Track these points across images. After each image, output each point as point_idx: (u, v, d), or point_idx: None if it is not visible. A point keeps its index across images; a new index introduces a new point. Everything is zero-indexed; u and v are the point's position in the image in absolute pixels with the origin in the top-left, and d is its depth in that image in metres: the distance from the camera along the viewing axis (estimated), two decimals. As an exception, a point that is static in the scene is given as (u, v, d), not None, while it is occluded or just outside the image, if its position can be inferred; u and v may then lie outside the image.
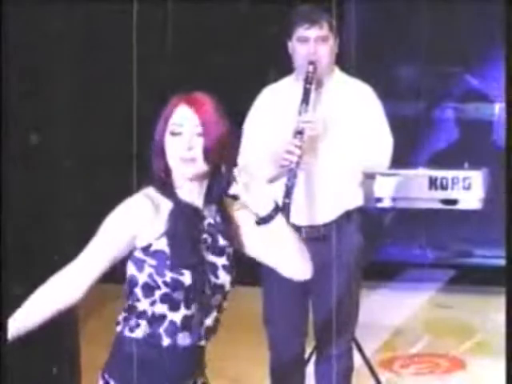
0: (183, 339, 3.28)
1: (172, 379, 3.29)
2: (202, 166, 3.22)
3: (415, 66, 8.18)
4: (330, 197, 5.01)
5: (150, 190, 3.27)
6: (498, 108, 8.07)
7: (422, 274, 8.17)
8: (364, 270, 7.11)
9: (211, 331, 3.33)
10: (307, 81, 4.95)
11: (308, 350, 5.42)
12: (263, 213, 3.27)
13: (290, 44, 5.06)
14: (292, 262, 3.41)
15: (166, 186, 3.28)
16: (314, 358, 5.38)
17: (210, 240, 3.32)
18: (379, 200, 5.21)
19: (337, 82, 5.11)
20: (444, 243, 7.79)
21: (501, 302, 6.48)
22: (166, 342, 3.26)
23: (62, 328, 5.71)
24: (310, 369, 5.40)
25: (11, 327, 3.23)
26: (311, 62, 4.96)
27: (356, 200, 5.11)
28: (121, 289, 3.39)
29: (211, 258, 3.31)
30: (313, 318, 5.22)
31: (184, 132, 3.23)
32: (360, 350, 5.70)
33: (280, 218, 3.30)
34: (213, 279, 3.30)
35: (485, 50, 8.03)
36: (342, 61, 7.04)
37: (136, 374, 3.27)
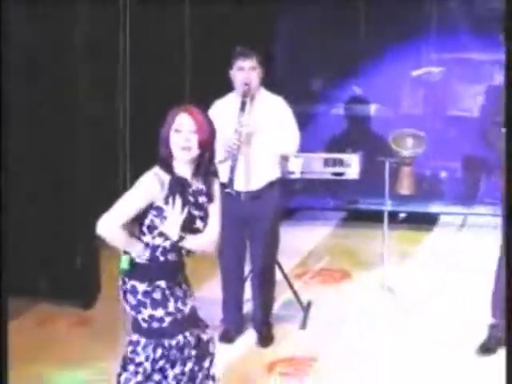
0: (172, 257, 3.48)
1: (166, 278, 3.47)
2: (195, 152, 3.41)
3: (318, 78, 8.13)
4: (259, 172, 5.07)
5: (157, 169, 3.43)
6: (373, 108, 8.07)
7: (324, 215, 8.18)
8: (285, 214, 7.25)
9: (190, 253, 3.54)
10: (243, 96, 5.00)
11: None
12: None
13: (231, 72, 5.08)
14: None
15: (168, 166, 3.43)
16: (250, 276, 5.40)
17: (193, 199, 3.45)
18: (292, 173, 5.24)
19: (262, 97, 5.13)
20: (339, 194, 7.83)
21: (376, 233, 6.57)
22: (161, 259, 3.47)
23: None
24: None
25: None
26: (246, 84, 5.00)
27: (276, 173, 5.15)
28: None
29: (193, 211, 3.44)
30: (249, 250, 5.25)
31: (183, 130, 3.40)
32: (280, 267, 5.67)
33: None
34: (192, 225, 3.44)
35: (366, 66, 7.94)
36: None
37: (142, 275, 3.46)
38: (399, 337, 5.34)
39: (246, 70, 5.00)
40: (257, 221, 5.11)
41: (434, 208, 8.05)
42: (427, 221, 8.00)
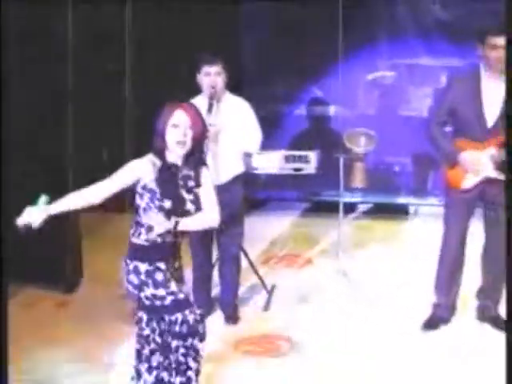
0: (169, 238, 3.46)
1: (164, 259, 3.46)
2: (188, 146, 3.42)
3: (283, 82, 8.14)
4: (225, 167, 5.07)
5: (151, 155, 3.45)
6: (332, 109, 8.10)
7: (288, 205, 8.19)
8: (254, 205, 7.24)
9: (185, 234, 3.60)
10: (210, 98, 4.99)
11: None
12: None
13: (198, 76, 5.07)
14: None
15: (161, 154, 3.43)
16: (217, 262, 5.40)
17: (183, 183, 3.45)
18: (256, 169, 5.26)
19: (227, 99, 5.13)
20: (301, 187, 7.85)
21: (335, 223, 6.58)
22: (158, 240, 3.45)
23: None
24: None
25: (63, 203, 3.37)
26: (212, 87, 4.98)
27: (240, 169, 5.16)
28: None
29: (184, 194, 3.45)
30: (217, 239, 5.24)
31: (180, 126, 3.40)
32: (245, 254, 5.65)
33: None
34: (183, 207, 3.44)
35: (326, 70, 7.95)
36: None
37: (142, 255, 3.46)
38: (354, 316, 5.37)
39: (212, 75, 5.00)
40: (224, 211, 5.06)
41: (388, 199, 8.09)
42: (383, 211, 8.03)
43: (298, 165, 5.28)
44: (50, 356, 4.68)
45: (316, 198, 8.01)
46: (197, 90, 5.11)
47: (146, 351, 3.57)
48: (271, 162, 5.25)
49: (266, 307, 5.56)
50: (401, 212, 8.03)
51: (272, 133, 6.40)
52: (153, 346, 3.55)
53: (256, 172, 5.32)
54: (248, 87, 7.00)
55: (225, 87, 5.08)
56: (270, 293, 5.73)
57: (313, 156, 5.28)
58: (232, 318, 5.25)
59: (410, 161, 7.97)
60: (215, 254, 5.39)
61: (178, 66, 6.94)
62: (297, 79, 7.96)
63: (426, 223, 7.50)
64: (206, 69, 5.01)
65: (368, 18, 7.68)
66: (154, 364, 3.58)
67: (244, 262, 5.56)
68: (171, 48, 7.32)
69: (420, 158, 7.78)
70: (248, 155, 5.15)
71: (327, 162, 5.81)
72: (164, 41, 7.38)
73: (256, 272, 5.78)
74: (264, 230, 7.21)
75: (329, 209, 7.23)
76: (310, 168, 5.30)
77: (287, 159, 5.29)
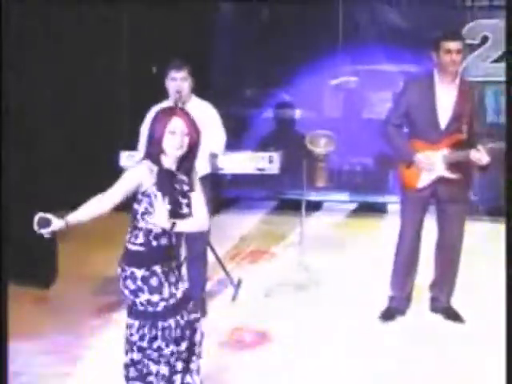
0: (164, 241, 3.41)
1: (160, 262, 3.39)
2: (184, 150, 3.38)
3: (250, 87, 8.20)
4: (192, 167, 5.05)
5: (147, 161, 3.39)
6: (298, 113, 8.16)
7: (256, 204, 8.22)
8: (222, 203, 7.24)
9: (179, 237, 3.58)
10: (176, 102, 4.97)
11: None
12: None
13: (166, 81, 5.07)
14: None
15: (157, 160, 3.38)
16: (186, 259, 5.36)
17: (178, 187, 3.42)
18: (221, 169, 5.26)
19: (193, 103, 5.12)
20: (269, 186, 7.90)
21: (296, 220, 6.60)
22: (154, 243, 3.40)
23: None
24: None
25: (74, 217, 3.28)
26: (178, 92, 4.99)
27: (206, 169, 5.13)
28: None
29: (179, 198, 3.42)
30: (185, 236, 5.22)
31: (177, 132, 3.37)
32: (213, 250, 5.65)
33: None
34: (179, 210, 3.40)
35: (293, 76, 7.99)
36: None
37: (138, 261, 3.38)
38: (315, 305, 5.43)
39: (178, 80, 5.01)
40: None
41: (352, 197, 8.16)
42: (347, 208, 8.11)
43: (261, 165, 5.29)
44: (26, 348, 4.65)
45: (282, 197, 8.08)
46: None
47: (127, 359, 3.50)
48: (236, 163, 5.26)
49: (234, 298, 5.61)
50: (363, 209, 8.11)
51: (240, 134, 6.44)
52: (135, 354, 3.47)
53: (222, 172, 5.31)
54: (217, 90, 7.04)
55: (191, 92, 5.08)
56: (237, 285, 5.76)
57: (276, 157, 5.30)
58: (200, 311, 5.24)
59: (372, 161, 8.05)
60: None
61: (147, 67, 6.95)
62: (265, 83, 8.01)
63: (386, 219, 7.57)
64: (172, 74, 5.02)
65: (332, 26, 7.76)
66: (131, 375, 3.51)
67: (213, 258, 5.58)
68: (140, 50, 7.33)
69: (381, 159, 7.86)
70: (214, 156, 5.16)
71: (292, 162, 5.85)
72: (134, 43, 7.40)
73: (223, 267, 5.79)
74: (233, 228, 7.23)
75: (294, 207, 7.27)
76: (274, 168, 5.31)
77: (252, 160, 5.31)
